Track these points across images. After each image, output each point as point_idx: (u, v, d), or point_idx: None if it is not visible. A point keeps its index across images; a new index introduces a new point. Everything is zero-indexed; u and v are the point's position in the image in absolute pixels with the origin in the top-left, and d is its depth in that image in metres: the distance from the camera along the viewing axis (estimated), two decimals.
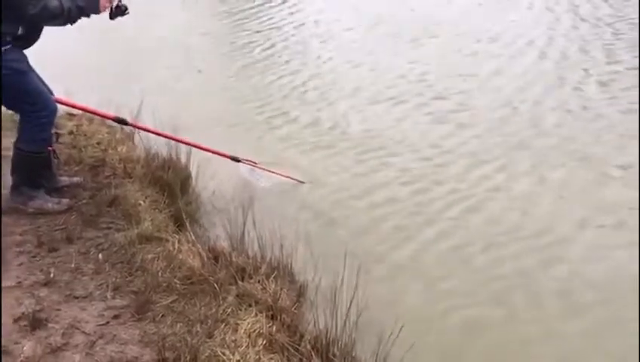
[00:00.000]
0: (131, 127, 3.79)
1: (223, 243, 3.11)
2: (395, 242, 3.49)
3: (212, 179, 3.84)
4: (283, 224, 3.35)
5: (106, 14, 3.09)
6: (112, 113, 3.61)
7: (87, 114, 4.09)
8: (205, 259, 2.86)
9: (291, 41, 7.02)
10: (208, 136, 4.10)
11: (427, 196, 3.93)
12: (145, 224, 3.07)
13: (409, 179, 4.12)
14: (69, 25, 3.02)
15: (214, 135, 4.51)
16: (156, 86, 5.65)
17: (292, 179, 4.04)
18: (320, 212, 3.75)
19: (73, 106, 3.46)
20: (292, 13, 8.02)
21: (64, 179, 3.47)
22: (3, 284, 2.60)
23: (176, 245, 2.93)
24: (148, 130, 3.70)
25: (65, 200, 3.30)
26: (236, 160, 3.96)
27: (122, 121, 3.58)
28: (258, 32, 7.37)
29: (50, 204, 3.23)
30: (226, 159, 3.89)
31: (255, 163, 4.08)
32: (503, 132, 4.69)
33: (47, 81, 3.17)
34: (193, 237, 2.97)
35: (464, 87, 5.50)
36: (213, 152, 3.82)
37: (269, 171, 4.03)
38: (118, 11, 3.08)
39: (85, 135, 4.16)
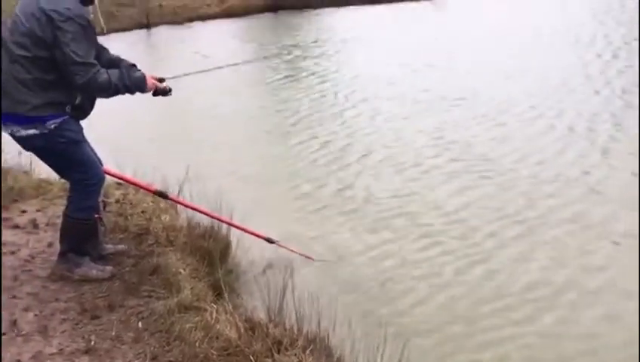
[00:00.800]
0: (169, 200, 3.88)
1: (261, 314, 3.11)
2: (435, 315, 3.43)
3: (251, 248, 3.89)
4: (321, 296, 3.33)
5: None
6: (154, 186, 3.77)
7: None
8: (242, 329, 2.86)
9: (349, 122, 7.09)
10: (247, 209, 4.20)
11: (468, 272, 3.86)
12: (184, 293, 3.10)
13: (446, 251, 4.10)
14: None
15: (253, 208, 4.60)
16: (204, 156, 5.85)
17: (325, 261, 4.04)
18: (356, 286, 3.73)
19: (119, 178, 3.61)
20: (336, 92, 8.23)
21: (109, 247, 3.57)
22: (46, 351, 2.65)
23: (214, 315, 2.94)
24: (186, 205, 3.80)
25: (108, 268, 3.38)
26: (270, 241, 3.95)
27: (163, 195, 3.71)
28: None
29: (95, 271, 3.32)
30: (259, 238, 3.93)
31: (291, 249, 4.02)
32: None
33: (98, 147, 3.32)
34: (231, 308, 2.99)
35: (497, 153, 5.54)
36: (249, 232, 3.87)
37: (304, 256, 4.03)
38: (163, 91, 3.21)
39: (131, 203, 4.29)
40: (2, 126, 3.03)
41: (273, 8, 17.53)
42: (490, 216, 4.54)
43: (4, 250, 3.62)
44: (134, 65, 3.22)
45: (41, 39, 2.86)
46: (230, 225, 3.82)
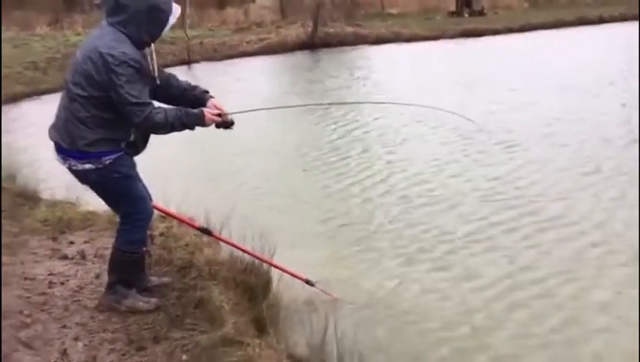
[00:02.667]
0: (212, 237, 3.97)
1: (302, 351, 3.14)
2: None
3: (292, 285, 3.91)
4: (362, 339, 3.34)
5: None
6: (197, 223, 3.88)
7: None
8: None
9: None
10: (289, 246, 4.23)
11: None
12: (227, 327, 3.16)
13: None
14: None
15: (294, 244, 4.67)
16: (244, 193, 6.01)
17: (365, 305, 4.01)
18: (395, 331, 3.68)
19: (166, 213, 3.72)
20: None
21: (154, 279, 3.66)
22: None
23: (257, 349, 2.98)
24: (228, 243, 3.88)
25: (153, 300, 3.46)
26: (310, 284, 3.95)
27: (206, 231, 3.82)
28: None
29: (141, 303, 3.41)
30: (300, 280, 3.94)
31: (329, 293, 3.97)
32: None
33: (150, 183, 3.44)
34: (274, 343, 3.02)
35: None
36: (288, 273, 3.89)
37: (343, 300, 3.98)
38: (224, 124, 3.25)
39: (174, 237, 4.39)
40: (61, 160, 3.18)
41: (311, 46, 17.88)
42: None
43: (54, 280, 3.75)
44: (207, 92, 3.35)
45: (96, 80, 3.00)
46: (270, 264, 3.87)
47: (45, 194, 5.83)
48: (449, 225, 5.12)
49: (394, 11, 24.21)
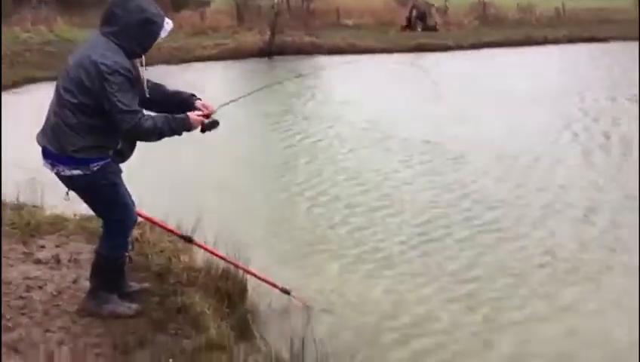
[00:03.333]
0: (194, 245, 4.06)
1: (285, 354, 3.27)
2: None
3: (268, 291, 4.04)
4: (337, 344, 3.52)
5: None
6: (179, 231, 3.97)
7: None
8: None
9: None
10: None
11: None
12: (210, 332, 3.26)
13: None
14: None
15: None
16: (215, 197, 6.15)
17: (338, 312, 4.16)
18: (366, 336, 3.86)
19: (149, 220, 3.80)
20: None
21: (134, 285, 3.72)
22: None
23: (241, 354, 3.10)
24: (207, 250, 3.99)
25: (134, 306, 3.52)
26: (286, 292, 4.07)
27: (188, 239, 3.92)
28: None
29: (122, 308, 3.47)
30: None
31: (304, 301, 4.08)
32: None
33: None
34: (261, 346, 3.15)
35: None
36: (266, 281, 4.02)
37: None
38: (210, 126, 3.33)
39: (149, 243, 4.44)
40: (49, 165, 3.22)
41: (267, 53, 17.98)
42: None
43: (31, 284, 3.75)
44: (194, 95, 3.46)
45: (87, 88, 3.07)
46: (248, 272, 3.98)
47: (9, 197, 5.73)
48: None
49: (349, 22, 24.59)
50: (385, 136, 8.74)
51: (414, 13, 23.44)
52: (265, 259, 4.66)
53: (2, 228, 4.71)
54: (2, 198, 5.57)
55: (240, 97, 3.73)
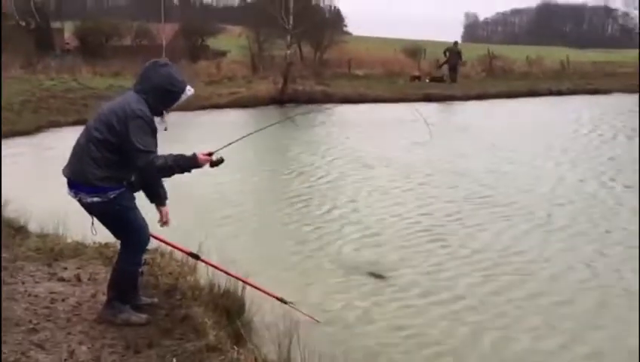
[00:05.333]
0: (201, 261, 4.59)
1: (272, 356, 3.75)
2: None
3: (264, 306, 4.54)
4: (325, 354, 3.98)
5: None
6: (187, 249, 4.49)
7: (161, 248, 5.06)
8: None
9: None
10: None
11: None
12: (210, 337, 3.74)
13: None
14: None
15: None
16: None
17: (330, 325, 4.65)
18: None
19: (161, 240, 4.33)
20: None
21: (144, 299, 4.23)
22: None
23: (236, 355, 3.57)
24: (213, 266, 4.50)
25: (144, 316, 4.02)
26: (283, 301, 4.58)
27: (196, 256, 4.44)
28: None
29: (134, 317, 3.97)
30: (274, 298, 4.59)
31: (301, 311, 4.60)
32: None
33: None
34: (254, 350, 3.62)
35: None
36: (264, 292, 4.54)
37: (311, 318, 4.64)
38: (217, 163, 3.78)
39: (159, 266, 4.96)
40: (73, 194, 3.79)
41: (279, 101, 18.78)
42: None
43: (55, 297, 4.27)
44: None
45: (115, 128, 3.67)
46: (251, 285, 4.49)
47: (33, 227, 6.30)
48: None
49: (360, 73, 25.54)
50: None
51: (447, 56, 23.67)
52: None
53: (28, 254, 5.28)
54: (27, 228, 6.17)
55: (234, 141, 4.15)
